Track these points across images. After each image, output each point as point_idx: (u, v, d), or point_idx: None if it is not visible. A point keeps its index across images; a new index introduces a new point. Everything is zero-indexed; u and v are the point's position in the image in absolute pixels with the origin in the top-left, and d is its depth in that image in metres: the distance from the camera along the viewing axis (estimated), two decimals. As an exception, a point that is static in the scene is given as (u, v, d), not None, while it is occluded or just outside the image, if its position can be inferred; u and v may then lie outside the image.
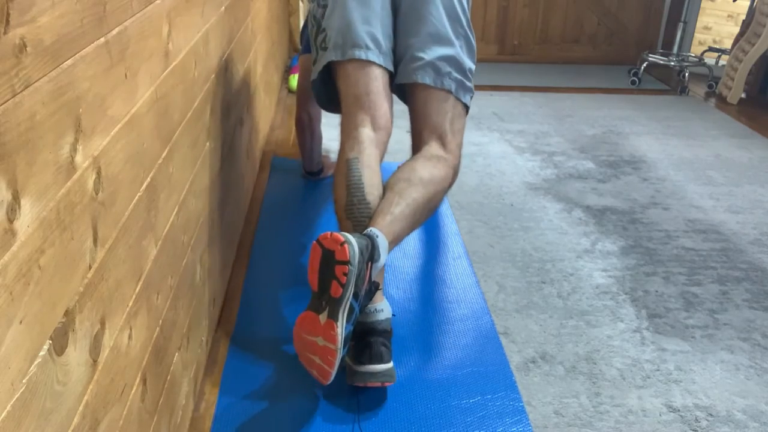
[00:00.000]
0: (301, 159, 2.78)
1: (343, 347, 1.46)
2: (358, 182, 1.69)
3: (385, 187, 1.73)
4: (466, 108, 1.95)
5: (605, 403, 1.60)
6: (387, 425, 1.50)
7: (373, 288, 1.56)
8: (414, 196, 1.70)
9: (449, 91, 1.88)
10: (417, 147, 1.90)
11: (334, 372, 1.47)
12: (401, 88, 1.96)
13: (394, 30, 1.90)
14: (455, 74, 1.88)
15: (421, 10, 1.86)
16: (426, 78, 1.85)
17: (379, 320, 1.59)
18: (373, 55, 1.82)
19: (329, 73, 1.91)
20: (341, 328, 1.45)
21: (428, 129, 1.88)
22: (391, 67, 1.88)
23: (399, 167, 1.79)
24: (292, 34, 4.34)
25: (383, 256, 1.56)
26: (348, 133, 1.81)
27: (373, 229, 1.58)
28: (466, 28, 1.93)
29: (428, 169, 1.78)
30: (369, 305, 1.59)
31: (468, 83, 1.93)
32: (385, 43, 1.86)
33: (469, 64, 1.93)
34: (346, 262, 1.44)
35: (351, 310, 1.48)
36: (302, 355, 1.51)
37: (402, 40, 1.88)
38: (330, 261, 1.45)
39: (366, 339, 1.57)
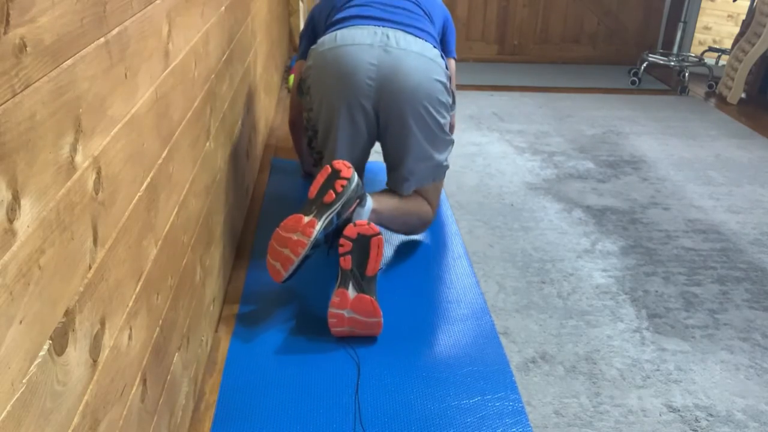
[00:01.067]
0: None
1: (311, 248, 1.77)
2: None
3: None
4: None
5: (605, 403, 1.60)
6: (387, 426, 1.50)
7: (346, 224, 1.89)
8: (397, 202, 2.12)
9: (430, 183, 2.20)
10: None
11: (295, 264, 1.76)
12: None
13: (383, 147, 2.17)
14: (435, 172, 2.18)
15: (403, 142, 2.09)
16: (411, 188, 2.16)
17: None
18: None
19: None
20: (320, 227, 1.79)
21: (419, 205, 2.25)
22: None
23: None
24: (292, 34, 4.34)
25: (367, 209, 1.95)
26: None
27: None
28: (441, 134, 2.14)
29: (412, 200, 2.16)
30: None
31: (443, 167, 2.19)
32: (356, 159, 2.13)
33: (446, 155, 2.20)
34: (347, 179, 1.85)
35: (330, 222, 1.82)
36: (272, 249, 1.80)
37: (390, 159, 2.16)
38: (334, 176, 1.85)
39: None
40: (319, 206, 1.81)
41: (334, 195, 1.82)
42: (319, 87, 2.07)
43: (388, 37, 2.04)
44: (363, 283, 1.74)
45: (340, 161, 1.87)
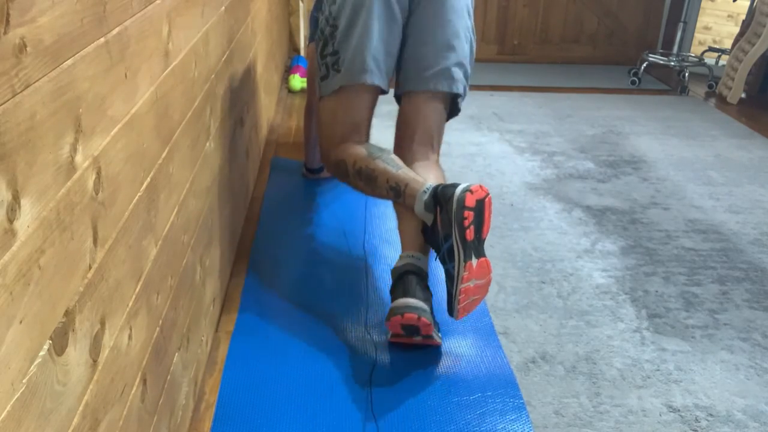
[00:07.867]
0: (303, 159, 2.78)
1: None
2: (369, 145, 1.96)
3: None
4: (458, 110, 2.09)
5: (605, 403, 1.60)
6: (389, 426, 1.50)
7: None
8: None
9: (457, 95, 2.00)
10: (408, 147, 2.01)
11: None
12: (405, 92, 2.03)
13: (403, 38, 1.97)
14: (464, 80, 1.99)
15: (433, 20, 1.92)
16: (439, 86, 1.95)
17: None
18: (377, 79, 1.93)
19: None
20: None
21: (424, 131, 2.01)
22: (386, 86, 1.98)
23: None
24: (292, 34, 4.34)
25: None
26: (336, 145, 2.00)
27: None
28: (472, 33, 2.00)
29: (433, 171, 1.96)
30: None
31: (467, 86, 2.04)
32: (388, 63, 1.95)
33: (470, 68, 2.04)
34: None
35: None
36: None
37: (413, 49, 1.95)
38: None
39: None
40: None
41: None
42: None
43: None
44: (480, 247, 1.68)
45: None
